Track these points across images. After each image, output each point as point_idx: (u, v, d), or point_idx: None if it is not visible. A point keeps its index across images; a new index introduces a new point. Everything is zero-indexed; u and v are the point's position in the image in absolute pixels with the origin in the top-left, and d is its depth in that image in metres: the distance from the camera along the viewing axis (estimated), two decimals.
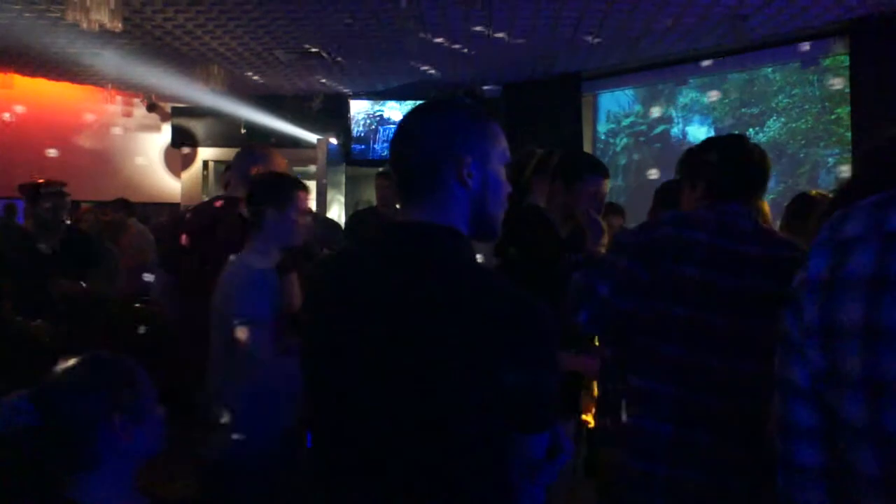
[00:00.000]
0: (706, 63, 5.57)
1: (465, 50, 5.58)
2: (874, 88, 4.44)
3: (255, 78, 6.64)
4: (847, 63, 4.69)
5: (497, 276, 1.10)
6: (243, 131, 7.56)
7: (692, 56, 5.55)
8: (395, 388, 1.04)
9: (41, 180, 3.55)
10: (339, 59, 5.89)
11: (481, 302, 1.04)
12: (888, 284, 0.83)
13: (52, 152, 7.60)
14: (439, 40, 5.32)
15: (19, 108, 7.45)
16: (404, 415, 1.04)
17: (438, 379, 1.02)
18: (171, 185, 8.09)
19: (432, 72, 6.30)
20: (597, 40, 5.18)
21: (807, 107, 5.14)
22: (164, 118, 7.99)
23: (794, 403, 0.99)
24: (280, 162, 2.74)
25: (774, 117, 5.30)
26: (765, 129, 5.34)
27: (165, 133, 8.04)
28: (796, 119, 5.18)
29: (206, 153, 8.01)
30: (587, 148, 6.38)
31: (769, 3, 4.31)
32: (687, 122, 5.80)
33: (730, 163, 1.81)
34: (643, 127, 6.02)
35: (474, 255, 1.15)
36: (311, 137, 7.45)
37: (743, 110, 5.48)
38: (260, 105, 7.35)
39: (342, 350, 1.09)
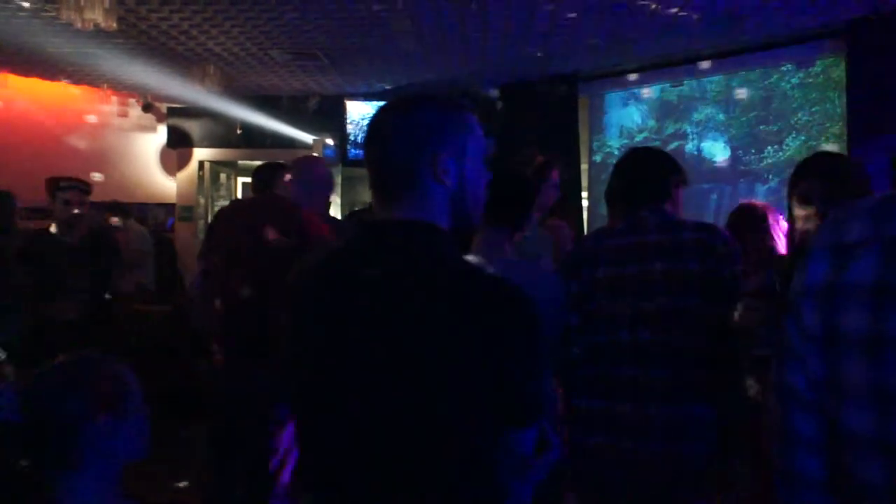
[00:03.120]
0: (704, 65, 5.56)
1: (461, 51, 5.58)
2: (871, 89, 4.44)
3: (251, 78, 6.62)
4: None
5: (481, 270, 1.09)
6: (239, 132, 7.54)
7: (690, 57, 5.54)
8: (384, 386, 1.03)
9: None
10: (334, 59, 5.87)
11: (466, 296, 1.04)
12: (892, 293, 0.80)
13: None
14: (435, 41, 5.31)
15: (13, 108, 7.42)
16: (392, 412, 1.03)
17: (426, 375, 1.01)
18: (166, 186, 8.06)
19: (428, 73, 6.29)
20: (594, 41, 5.18)
21: (828, 125, 5.01)
22: (160, 119, 7.96)
23: (793, 412, 0.97)
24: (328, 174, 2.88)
25: (794, 135, 5.19)
26: (784, 146, 5.23)
27: (161, 133, 8.02)
28: (817, 137, 5.06)
29: (201, 154, 7.99)
30: (584, 151, 6.37)
31: (765, 4, 4.30)
32: (702, 138, 5.70)
33: (619, 181, 2.14)
34: (657, 142, 5.92)
35: (457, 250, 1.14)
36: (307, 138, 7.43)
37: (761, 127, 5.35)
38: (256, 105, 7.33)
39: (329, 352, 1.09)
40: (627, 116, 6.21)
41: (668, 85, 5.89)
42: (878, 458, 0.83)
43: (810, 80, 5.13)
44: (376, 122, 1.17)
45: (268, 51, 5.66)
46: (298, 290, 1.20)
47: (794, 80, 5.22)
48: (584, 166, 6.30)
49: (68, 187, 3.59)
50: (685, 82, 5.80)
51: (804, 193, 1.74)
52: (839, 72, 4.86)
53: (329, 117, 7.28)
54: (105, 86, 7.07)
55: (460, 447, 1.03)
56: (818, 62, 5.06)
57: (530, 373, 1.06)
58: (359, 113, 7.17)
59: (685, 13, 4.50)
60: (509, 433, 1.06)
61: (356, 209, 5.33)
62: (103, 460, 1.20)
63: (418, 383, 1.02)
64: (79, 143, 7.75)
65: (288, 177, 3.08)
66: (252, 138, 7.52)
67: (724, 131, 5.57)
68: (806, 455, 0.96)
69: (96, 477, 1.19)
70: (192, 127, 7.88)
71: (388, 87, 6.96)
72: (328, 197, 3.00)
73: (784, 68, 5.25)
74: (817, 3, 4.29)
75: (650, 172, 2.10)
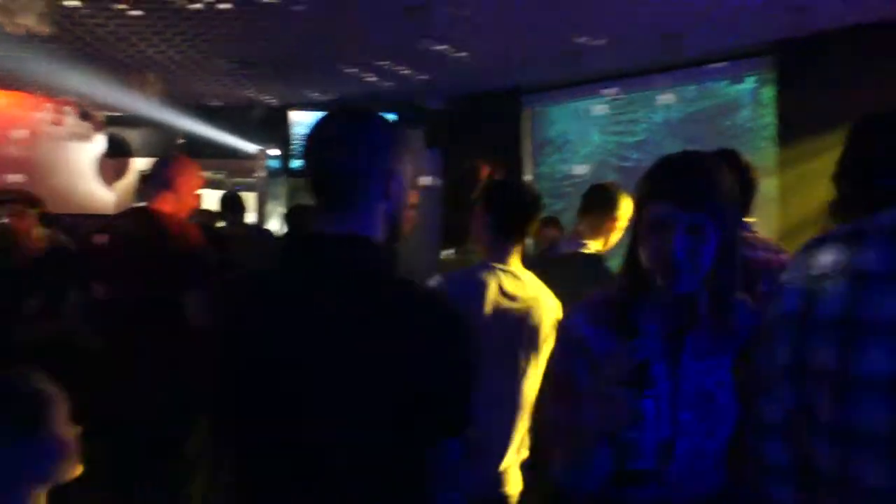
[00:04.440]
0: (645, 80, 5.72)
1: (408, 63, 5.60)
2: (799, 107, 4.64)
3: (194, 87, 6.50)
4: None
5: (417, 285, 1.13)
6: (181, 142, 7.38)
7: (632, 72, 5.68)
8: (326, 397, 1.04)
9: None
10: (279, 69, 5.82)
11: (405, 310, 1.07)
12: (858, 328, 0.79)
13: None
14: (381, 53, 5.32)
15: None
16: (332, 424, 1.03)
17: (368, 389, 1.03)
18: (104, 197, 7.83)
19: (375, 84, 6.29)
20: (538, 55, 5.27)
21: (761, 144, 5.14)
22: (98, 127, 7.73)
23: (765, 443, 0.98)
24: (195, 169, 2.70)
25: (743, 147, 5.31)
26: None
27: (99, 143, 7.79)
28: (753, 153, 5.10)
29: (141, 164, 7.78)
30: (527, 163, 6.45)
31: (699, 23, 4.46)
32: (644, 152, 5.78)
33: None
34: (601, 156, 6.04)
35: (395, 264, 1.17)
36: (251, 148, 7.34)
37: (701, 143, 5.27)
38: (198, 115, 7.19)
39: (270, 362, 1.08)
40: (571, 130, 6.31)
41: (611, 99, 6.02)
42: (842, 495, 0.82)
43: (747, 98, 5.33)
44: (326, 130, 1.16)
45: (211, 59, 5.57)
46: (232, 305, 1.19)
47: (731, 97, 5.40)
48: (528, 178, 6.39)
49: (5, 200, 3.42)
50: (628, 97, 5.93)
51: (658, 219, 1.21)
52: (772, 90, 5.06)
53: (273, 128, 7.20)
54: (39, 93, 6.84)
55: (394, 458, 1.05)
56: (754, 80, 5.26)
57: (465, 384, 1.10)
58: (303, 124, 7.12)
59: (626, 30, 4.63)
60: (442, 442, 1.08)
61: (296, 205, 5.15)
62: (20, 480, 1.15)
63: (362, 397, 1.03)
64: (11, 151, 7.46)
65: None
66: (194, 148, 7.36)
67: (668, 147, 5.68)
68: (779, 483, 0.96)
69: (14, 498, 1.14)
70: (132, 136, 7.68)
71: (334, 98, 6.93)
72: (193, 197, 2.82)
73: (722, 84, 5.43)
74: (749, 24, 4.48)
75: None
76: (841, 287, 0.82)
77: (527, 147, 6.45)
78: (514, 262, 2.04)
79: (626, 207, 2.68)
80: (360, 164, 1.13)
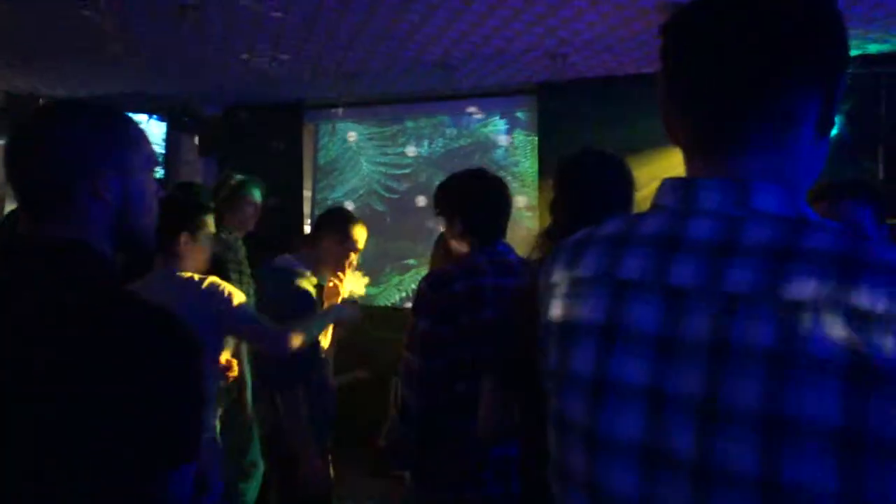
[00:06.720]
0: (420, 106, 5.91)
1: (181, 65, 5.26)
2: (556, 143, 5.09)
3: None
4: None
5: (130, 296, 1.03)
6: None
7: (409, 97, 5.84)
8: (19, 425, 0.90)
9: None
10: (26, 55, 5.17)
11: (113, 324, 0.97)
12: (616, 336, 0.80)
13: None
14: (150, 51, 4.94)
15: None
16: (30, 457, 0.90)
17: (67, 412, 0.90)
18: None
19: (144, 84, 5.83)
20: (317, 70, 5.23)
21: (522, 178, 5.55)
22: None
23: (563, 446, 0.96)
24: None
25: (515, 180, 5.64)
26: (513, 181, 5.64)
27: None
28: (520, 190, 5.52)
29: None
30: (307, 177, 6.35)
31: (471, 58, 4.72)
32: (416, 180, 5.97)
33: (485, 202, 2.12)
34: (380, 189, 6.16)
35: (110, 273, 1.06)
36: None
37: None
38: None
39: None
40: (348, 149, 6.33)
41: (381, 129, 6.14)
42: (591, 499, 0.82)
43: (502, 138, 5.72)
44: (24, 130, 1.09)
45: None
46: None
47: (487, 136, 5.76)
48: (307, 193, 6.30)
49: None
50: (407, 123, 6.09)
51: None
52: (522, 133, 5.50)
53: (18, 120, 6.35)
54: None
55: (111, 496, 0.94)
56: (505, 122, 5.67)
57: (186, 406, 1.01)
58: None
59: (400, 58, 4.75)
60: (164, 474, 0.99)
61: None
62: None
63: (56, 427, 0.90)
64: None
65: None
66: None
67: (431, 179, 5.77)
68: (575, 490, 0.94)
69: None
70: None
71: (97, 94, 6.30)
72: None
73: (480, 122, 5.77)
74: (514, 64, 4.82)
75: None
76: (603, 294, 0.82)
77: (308, 164, 6.35)
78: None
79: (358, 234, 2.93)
80: (54, 164, 1.05)
